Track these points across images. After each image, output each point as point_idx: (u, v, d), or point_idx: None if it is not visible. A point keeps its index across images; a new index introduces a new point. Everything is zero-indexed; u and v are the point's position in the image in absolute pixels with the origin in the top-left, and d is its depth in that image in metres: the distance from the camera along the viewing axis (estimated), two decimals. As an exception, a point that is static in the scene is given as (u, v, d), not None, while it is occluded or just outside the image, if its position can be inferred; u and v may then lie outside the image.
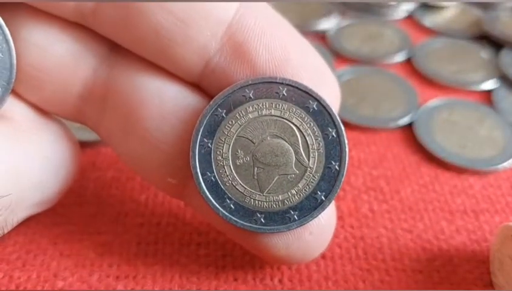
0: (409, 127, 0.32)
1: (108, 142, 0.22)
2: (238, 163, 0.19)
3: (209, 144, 0.19)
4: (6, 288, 0.22)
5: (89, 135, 0.28)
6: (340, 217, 0.26)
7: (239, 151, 0.19)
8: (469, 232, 0.26)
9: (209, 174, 0.19)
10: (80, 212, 0.26)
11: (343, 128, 0.19)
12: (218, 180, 0.19)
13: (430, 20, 0.43)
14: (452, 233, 0.26)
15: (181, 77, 0.20)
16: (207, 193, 0.19)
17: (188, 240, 0.25)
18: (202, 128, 0.19)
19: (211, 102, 0.19)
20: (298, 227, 0.19)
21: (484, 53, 0.39)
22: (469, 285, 0.23)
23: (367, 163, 0.29)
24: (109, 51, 0.21)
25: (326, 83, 0.21)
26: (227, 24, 0.19)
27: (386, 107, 0.33)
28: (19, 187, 0.20)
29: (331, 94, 0.20)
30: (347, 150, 0.20)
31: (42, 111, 0.21)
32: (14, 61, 0.20)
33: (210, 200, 0.19)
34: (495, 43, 0.39)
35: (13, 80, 0.20)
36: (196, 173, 0.19)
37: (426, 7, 0.44)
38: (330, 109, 0.19)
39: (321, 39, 0.40)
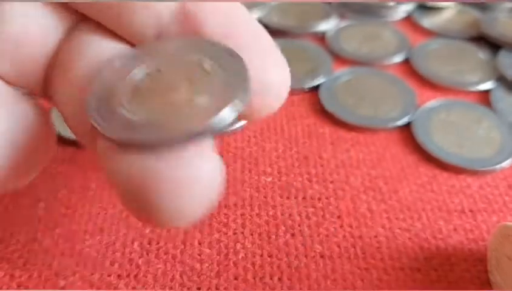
0: (408, 127, 0.32)
1: (57, 105, 0.20)
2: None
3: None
4: (7, 287, 0.23)
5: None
6: (338, 217, 0.26)
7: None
8: (466, 231, 0.26)
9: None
10: (82, 212, 0.26)
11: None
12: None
13: (428, 21, 0.43)
14: (449, 232, 0.26)
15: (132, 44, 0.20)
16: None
17: (190, 239, 0.25)
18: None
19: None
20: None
21: (482, 54, 0.39)
22: (467, 284, 0.23)
23: (366, 163, 0.29)
24: (77, 22, 0.20)
25: (273, 61, 0.19)
26: None
27: (384, 107, 0.33)
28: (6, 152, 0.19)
29: (277, 73, 0.19)
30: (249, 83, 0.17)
31: (11, 85, 0.20)
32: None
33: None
34: (493, 44, 0.39)
35: None
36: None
37: (425, 8, 0.45)
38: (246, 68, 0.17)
39: (320, 40, 0.40)
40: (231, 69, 0.17)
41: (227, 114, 0.15)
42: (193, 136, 0.15)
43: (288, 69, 0.20)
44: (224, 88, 0.16)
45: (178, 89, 0.17)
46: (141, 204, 0.16)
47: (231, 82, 0.16)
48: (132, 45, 0.20)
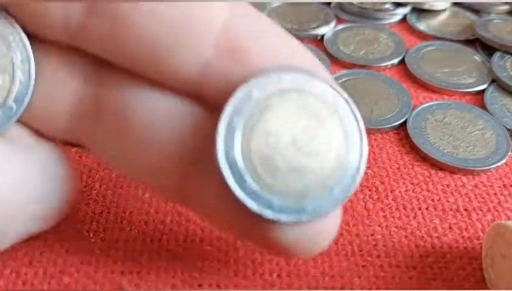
0: (404, 128, 0.32)
1: (100, 157, 0.22)
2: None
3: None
4: (13, 284, 0.23)
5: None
6: (336, 215, 0.26)
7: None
8: (461, 230, 0.26)
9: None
10: (86, 210, 0.26)
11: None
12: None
13: (424, 24, 0.43)
14: (445, 231, 0.26)
15: (176, 88, 0.19)
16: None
17: (192, 237, 0.25)
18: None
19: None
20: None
21: (477, 56, 0.39)
22: (462, 281, 0.24)
23: (363, 163, 0.30)
24: (97, 67, 0.20)
25: (320, 68, 0.20)
26: (219, 28, 0.18)
27: (381, 109, 0.33)
28: (19, 198, 0.20)
29: (325, 76, 0.20)
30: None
31: (35, 131, 0.21)
32: (32, 82, 0.19)
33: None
34: (488, 47, 0.40)
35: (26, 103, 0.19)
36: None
37: (420, 11, 0.45)
38: (340, 91, 0.19)
39: (318, 43, 0.41)
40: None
41: (361, 168, 0.19)
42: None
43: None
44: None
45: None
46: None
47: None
48: (175, 88, 0.19)
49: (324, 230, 0.20)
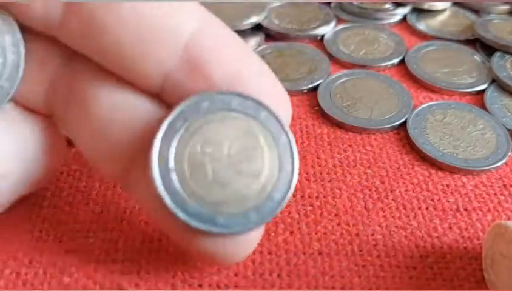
0: (404, 128, 0.32)
1: (69, 135, 0.23)
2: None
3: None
4: (13, 285, 0.23)
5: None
6: (336, 215, 0.26)
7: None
8: (461, 230, 0.26)
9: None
10: (86, 210, 0.26)
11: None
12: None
13: (424, 24, 0.43)
14: (445, 231, 0.26)
15: (140, 88, 0.21)
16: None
17: (191, 237, 0.25)
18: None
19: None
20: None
21: (477, 56, 0.39)
22: (462, 282, 0.24)
23: (363, 163, 0.30)
24: (73, 55, 0.21)
25: (275, 96, 0.22)
26: (185, 42, 0.20)
27: (381, 109, 0.33)
28: (20, 167, 0.22)
29: (280, 106, 0.21)
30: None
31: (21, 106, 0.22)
32: (22, 63, 0.21)
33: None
34: (488, 47, 0.40)
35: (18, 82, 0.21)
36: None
37: (420, 11, 0.45)
38: (278, 117, 0.21)
39: (318, 43, 0.41)
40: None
41: (286, 199, 0.20)
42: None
43: (288, 98, 0.22)
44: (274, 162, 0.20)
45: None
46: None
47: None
48: (139, 88, 0.21)
49: (235, 246, 0.21)
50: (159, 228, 0.25)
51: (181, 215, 0.19)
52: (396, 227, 0.26)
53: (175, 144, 0.20)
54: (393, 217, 0.27)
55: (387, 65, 0.38)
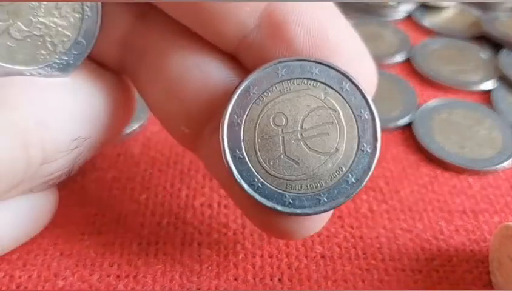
0: (409, 127, 0.32)
1: (139, 92, 0.23)
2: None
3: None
4: (7, 288, 0.22)
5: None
6: (339, 217, 0.26)
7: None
8: (468, 232, 0.26)
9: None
10: (81, 212, 0.26)
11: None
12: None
13: (429, 20, 0.43)
14: (451, 233, 0.26)
15: (218, 48, 0.20)
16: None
17: (189, 240, 0.25)
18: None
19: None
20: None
21: (483, 54, 0.39)
22: (468, 285, 0.23)
23: (367, 163, 0.29)
24: (145, 14, 0.21)
25: (362, 66, 0.21)
26: (267, 2, 0.19)
27: (385, 107, 0.33)
28: (95, 129, 0.22)
29: (366, 78, 0.21)
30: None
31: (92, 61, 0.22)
32: (99, 18, 0.21)
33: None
34: (494, 44, 0.39)
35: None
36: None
37: (426, 8, 0.45)
38: (364, 90, 0.19)
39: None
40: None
41: (362, 184, 0.19)
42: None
43: (376, 72, 0.22)
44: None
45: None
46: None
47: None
48: (215, 50, 0.20)
49: (301, 224, 0.21)
50: (156, 231, 0.25)
51: (247, 188, 0.19)
52: (401, 229, 0.26)
53: (247, 112, 0.19)
54: (398, 219, 0.26)
55: (391, 63, 0.38)
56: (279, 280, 0.23)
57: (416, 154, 0.30)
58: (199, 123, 0.21)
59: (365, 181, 0.19)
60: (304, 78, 0.19)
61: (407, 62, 0.38)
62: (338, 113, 0.19)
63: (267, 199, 0.19)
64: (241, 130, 0.19)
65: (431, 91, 0.35)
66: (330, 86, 0.19)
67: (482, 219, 0.26)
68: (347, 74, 0.19)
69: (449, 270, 0.24)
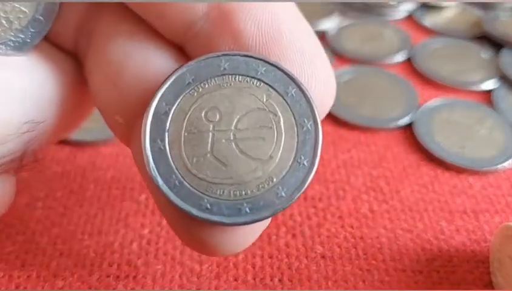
0: (409, 126, 0.32)
1: (86, 77, 0.21)
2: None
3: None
4: (6, 288, 0.22)
5: (89, 135, 0.29)
6: (339, 217, 0.26)
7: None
8: (469, 232, 0.26)
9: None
10: (80, 212, 0.26)
11: (319, 121, 0.18)
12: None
13: (430, 20, 0.43)
14: (452, 233, 0.26)
15: (166, 39, 0.19)
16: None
17: (189, 241, 0.25)
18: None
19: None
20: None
21: (484, 53, 0.39)
22: (469, 286, 0.23)
23: (367, 163, 0.29)
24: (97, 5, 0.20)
25: (316, 70, 0.19)
26: None
27: (385, 106, 0.33)
28: (49, 113, 0.20)
29: (319, 84, 0.19)
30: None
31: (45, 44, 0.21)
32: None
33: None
34: (495, 43, 0.39)
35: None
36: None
37: (426, 7, 0.44)
38: (311, 98, 0.18)
39: (321, 39, 0.40)
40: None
41: (292, 199, 0.17)
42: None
43: (334, 81, 0.20)
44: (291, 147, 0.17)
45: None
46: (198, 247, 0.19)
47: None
48: (162, 38, 0.19)
49: (220, 237, 0.18)
50: (156, 231, 0.25)
51: (161, 184, 0.17)
52: (401, 229, 0.26)
53: (179, 101, 0.17)
54: (398, 219, 0.26)
55: (392, 62, 0.38)
56: (280, 280, 0.23)
57: (416, 154, 0.30)
58: (134, 114, 0.19)
59: (296, 197, 0.17)
60: (248, 76, 0.18)
61: (408, 61, 0.38)
62: (279, 118, 0.17)
63: (183, 200, 0.17)
64: (167, 119, 0.17)
65: (432, 91, 0.35)
66: (274, 89, 0.18)
67: (483, 219, 0.26)
68: (295, 79, 0.18)
69: (450, 271, 0.24)
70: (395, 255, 0.24)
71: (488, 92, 0.35)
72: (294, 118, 0.17)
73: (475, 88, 0.35)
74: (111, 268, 0.23)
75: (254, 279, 0.23)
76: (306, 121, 0.17)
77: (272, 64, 0.18)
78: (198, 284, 0.23)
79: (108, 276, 0.23)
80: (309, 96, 0.18)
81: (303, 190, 0.17)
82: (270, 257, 0.24)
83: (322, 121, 0.18)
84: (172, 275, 0.23)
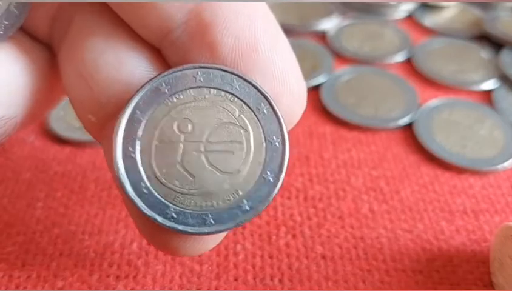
0: (409, 126, 0.32)
1: (60, 71, 0.21)
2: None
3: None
4: (6, 288, 0.22)
5: (89, 135, 0.29)
6: (340, 218, 0.26)
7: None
8: (469, 232, 0.26)
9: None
10: (80, 212, 0.26)
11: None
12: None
13: (430, 20, 0.43)
14: (452, 233, 0.26)
15: (144, 40, 0.19)
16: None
17: (189, 240, 0.25)
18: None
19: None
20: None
21: (484, 53, 0.39)
22: (469, 286, 0.23)
23: (367, 163, 0.29)
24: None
25: (289, 86, 0.19)
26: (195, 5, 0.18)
27: (385, 106, 0.33)
28: (20, 108, 0.20)
29: (291, 102, 0.19)
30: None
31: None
32: None
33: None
34: (495, 43, 0.39)
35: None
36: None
37: (426, 7, 0.44)
38: (281, 117, 0.18)
39: (321, 39, 0.40)
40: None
41: (255, 213, 0.18)
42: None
43: (305, 100, 0.20)
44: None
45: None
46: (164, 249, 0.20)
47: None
48: (140, 39, 0.19)
49: (183, 243, 0.19)
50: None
51: (129, 190, 0.17)
52: (402, 229, 0.26)
53: (152, 111, 0.18)
54: (398, 219, 0.26)
55: (392, 62, 0.38)
56: (280, 281, 0.23)
57: (416, 154, 0.30)
58: (106, 113, 0.19)
59: (260, 211, 0.18)
60: (223, 90, 0.18)
61: (408, 61, 0.38)
62: (249, 134, 0.18)
63: (149, 207, 0.17)
64: (140, 127, 0.17)
65: (432, 91, 0.35)
66: (247, 105, 0.18)
67: (483, 219, 0.26)
68: (268, 97, 0.18)
69: (450, 271, 0.24)
70: (395, 255, 0.24)
71: (488, 92, 0.35)
72: (264, 134, 0.18)
73: (475, 88, 0.35)
74: (111, 268, 0.23)
75: (254, 279, 0.23)
76: (275, 138, 0.18)
77: (246, 80, 0.18)
78: (198, 284, 0.23)
79: (108, 276, 0.23)
80: (279, 114, 0.18)
81: (267, 204, 0.18)
82: (270, 257, 0.24)
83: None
84: (172, 275, 0.23)
